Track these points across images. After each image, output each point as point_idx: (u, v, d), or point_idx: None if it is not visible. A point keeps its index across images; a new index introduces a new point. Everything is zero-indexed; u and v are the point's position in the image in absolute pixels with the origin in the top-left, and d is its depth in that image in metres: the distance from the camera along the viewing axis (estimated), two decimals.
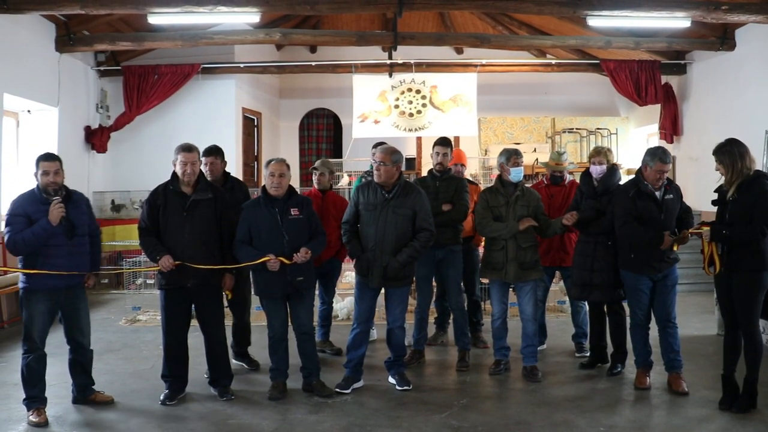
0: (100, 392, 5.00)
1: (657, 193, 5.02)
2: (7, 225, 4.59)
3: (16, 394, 5.05)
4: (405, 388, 5.22)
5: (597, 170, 5.52)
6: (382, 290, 5.30)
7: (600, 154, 5.57)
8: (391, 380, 5.34)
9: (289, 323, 5.13)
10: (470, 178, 7.19)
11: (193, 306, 5.07)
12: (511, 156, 5.44)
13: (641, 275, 5.10)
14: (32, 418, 4.53)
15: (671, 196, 5.05)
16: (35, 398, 4.62)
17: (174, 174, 4.88)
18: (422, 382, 5.48)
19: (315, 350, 5.24)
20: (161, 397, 4.97)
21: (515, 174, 5.42)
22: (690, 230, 4.92)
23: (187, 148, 4.87)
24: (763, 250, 4.56)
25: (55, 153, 4.88)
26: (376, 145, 6.17)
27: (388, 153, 5.09)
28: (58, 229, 4.53)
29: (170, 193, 4.85)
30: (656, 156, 4.98)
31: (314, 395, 5.03)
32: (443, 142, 5.91)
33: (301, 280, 4.93)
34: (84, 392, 4.93)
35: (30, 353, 4.63)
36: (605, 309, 5.67)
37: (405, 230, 5.04)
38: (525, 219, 5.33)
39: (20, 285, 4.68)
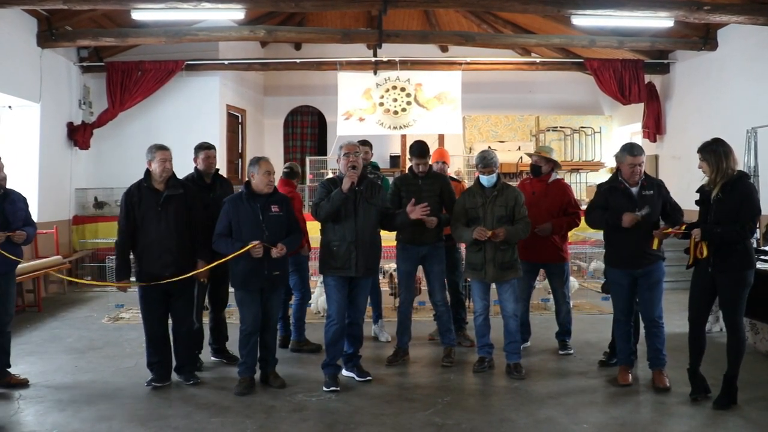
0: (15, 375, 5.24)
1: (633, 189, 5.07)
2: None
3: None
4: (367, 378, 5.34)
5: None
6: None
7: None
8: (348, 373, 5.42)
9: None
10: (453, 176, 7.18)
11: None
12: (483, 166, 5.44)
13: (618, 269, 5.18)
14: None
15: (650, 192, 5.06)
16: None
17: (147, 172, 5.14)
18: (406, 379, 5.49)
19: (275, 343, 5.40)
20: (148, 379, 5.21)
21: (486, 181, 5.48)
22: (669, 230, 4.94)
23: (163, 147, 5.14)
24: (749, 249, 4.65)
25: (38, 150, 4.96)
26: (362, 143, 6.27)
27: (356, 145, 5.32)
28: None
29: (144, 190, 5.11)
30: (626, 151, 5.10)
31: (280, 390, 5.13)
32: (420, 153, 5.76)
33: (277, 275, 5.11)
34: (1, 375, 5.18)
35: None
36: None
37: (377, 220, 5.27)
38: (480, 231, 5.28)
39: None
